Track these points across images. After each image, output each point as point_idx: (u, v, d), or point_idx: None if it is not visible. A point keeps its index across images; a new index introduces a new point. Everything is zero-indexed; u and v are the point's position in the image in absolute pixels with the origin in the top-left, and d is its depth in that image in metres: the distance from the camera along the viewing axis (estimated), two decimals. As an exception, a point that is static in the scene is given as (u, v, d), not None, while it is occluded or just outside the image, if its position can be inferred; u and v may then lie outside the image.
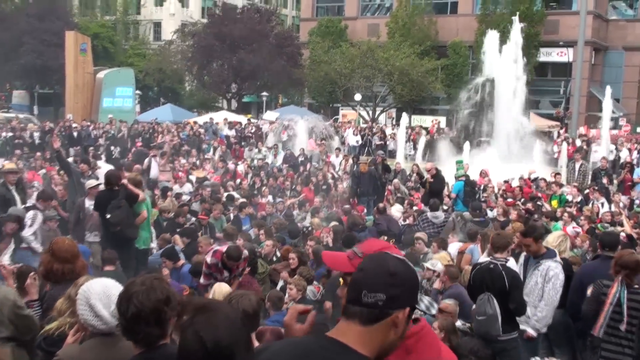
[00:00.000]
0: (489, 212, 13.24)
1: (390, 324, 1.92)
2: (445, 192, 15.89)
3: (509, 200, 14.43)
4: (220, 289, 5.82)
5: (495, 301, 5.82)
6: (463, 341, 6.26)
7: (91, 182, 10.44)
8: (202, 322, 2.24)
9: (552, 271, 6.31)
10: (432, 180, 15.14)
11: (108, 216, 8.86)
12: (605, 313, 5.74)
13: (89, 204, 9.89)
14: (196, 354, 2.20)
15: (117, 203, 8.87)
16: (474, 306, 6.09)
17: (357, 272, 1.97)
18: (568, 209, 13.23)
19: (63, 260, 4.53)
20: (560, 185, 16.41)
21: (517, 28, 26.96)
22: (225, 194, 15.27)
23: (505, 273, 5.94)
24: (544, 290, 6.34)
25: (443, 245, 9.43)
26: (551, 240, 7.22)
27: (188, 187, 16.15)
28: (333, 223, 11.40)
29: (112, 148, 23.30)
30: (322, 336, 1.98)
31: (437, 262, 8.10)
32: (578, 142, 26.26)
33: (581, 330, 6.69)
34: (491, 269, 5.98)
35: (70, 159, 15.24)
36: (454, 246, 9.83)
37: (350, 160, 21.44)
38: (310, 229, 11.46)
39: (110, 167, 14.13)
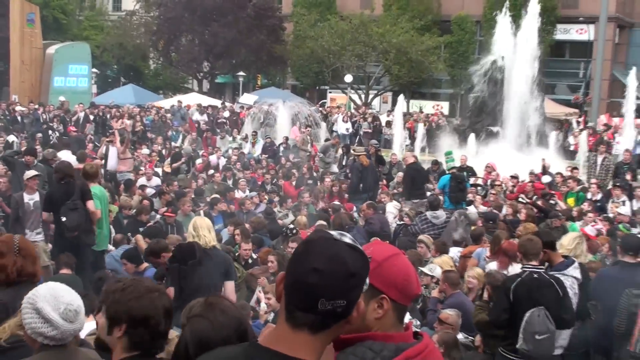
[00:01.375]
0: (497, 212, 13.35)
1: (344, 322, 1.88)
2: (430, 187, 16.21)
3: (510, 193, 14.58)
4: None
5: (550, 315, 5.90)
6: (467, 356, 6.35)
7: (30, 173, 10.33)
8: (197, 324, 2.76)
9: None
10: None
11: (64, 219, 8.76)
12: None
13: (28, 198, 9.83)
14: (179, 354, 2.75)
15: (72, 204, 8.75)
16: (525, 324, 5.92)
17: (310, 275, 1.82)
18: (585, 208, 13.40)
19: (33, 259, 4.57)
20: (578, 181, 16.58)
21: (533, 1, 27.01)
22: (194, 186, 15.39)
23: (555, 281, 6.03)
24: None
25: (443, 249, 9.50)
26: (566, 242, 7.27)
27: (156, 181, 16.15)
28: (319, 222, 11.44)
29: (50, 132, 23.01)
30: (261, 348, 1.89)
31: (435, 266, 8.18)
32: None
33: (600, 345, 6.82)
34: (537, 279, 6.03)
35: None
36: (455, 249, 9.93)
37: (340, 151, 21.46)
38: (292, 228, 11.46)
39: (71, 157, 13.95)
